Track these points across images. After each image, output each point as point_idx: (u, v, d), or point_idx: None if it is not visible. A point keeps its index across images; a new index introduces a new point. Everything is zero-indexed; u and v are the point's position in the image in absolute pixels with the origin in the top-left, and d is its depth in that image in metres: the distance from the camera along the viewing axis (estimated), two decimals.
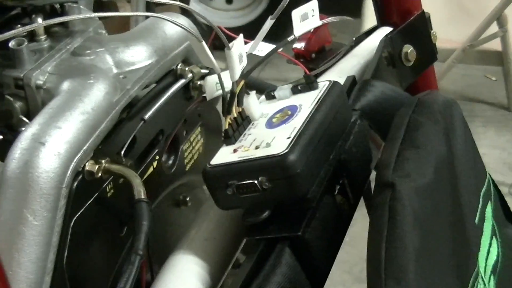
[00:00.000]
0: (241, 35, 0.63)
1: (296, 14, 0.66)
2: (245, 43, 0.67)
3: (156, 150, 0.74)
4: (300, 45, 0.91)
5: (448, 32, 2.50)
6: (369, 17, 2.41)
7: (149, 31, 0.73)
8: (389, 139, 0.66)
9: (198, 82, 0.78)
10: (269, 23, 0.64)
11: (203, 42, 0.61)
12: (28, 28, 0.57)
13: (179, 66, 0.76)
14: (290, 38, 0.67)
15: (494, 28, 2.34)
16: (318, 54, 0.93)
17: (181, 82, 0.76)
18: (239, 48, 0.62)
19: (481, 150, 2.52)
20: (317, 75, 0.87)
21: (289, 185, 0.60)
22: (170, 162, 0.79)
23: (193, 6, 3.49)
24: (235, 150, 0.63)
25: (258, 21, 3.45)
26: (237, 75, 0.63)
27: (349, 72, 0.85)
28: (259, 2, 3.53)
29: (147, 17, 0.78)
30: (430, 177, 0.62)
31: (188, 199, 0.86)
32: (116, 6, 3.15)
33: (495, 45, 2.38)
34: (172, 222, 0.86)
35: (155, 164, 0.74)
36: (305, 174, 0.60)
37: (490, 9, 2.35)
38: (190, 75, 0.77)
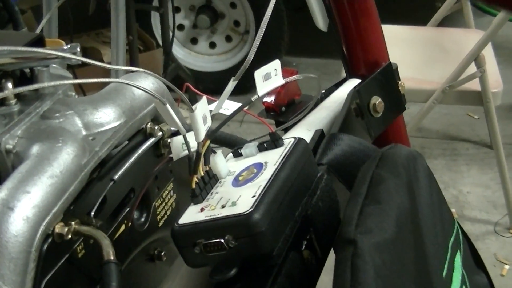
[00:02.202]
0: (205, 97, 0.64)
1: (258, 74, 0.68)
2: (210, 102, 0.69)
3: (127, 209, 0.75)
4: (270, 99, 0.93)
5: (428, 73, 2.53)
6: None
7: (118, 92, 0.75)
8: (353, 195, 0.68)
9: (168, 140, 0.79)
10: (231, 84, 0.66)
11: (167, 105, 0.62)
12: None
13: (148, 125, 0.78)
14: (254, 97, 0.68)
15: (472, 68, 2.37)
16: (288, 107, 0.95)
17: (151, 141, 0.77)
18: (203, 109, 0.64)
19: (465, 188, 2.53)
20: (287, 129, 0.88)
21: (254, 243, 0.61)
22: (143, 219, 0.80)
23: (177, 50, 3.53)
24: (202, 209, 0.64)
25: (241, 65, 3.47)
26: (202, 136, 0.64)
27: (318, 125, 0.87)
28: (241, 46, 3.57)
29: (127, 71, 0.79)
30: (392, 231, 0.63)
31: (162, 253, 0.87)
32: (99, 53, 3.18)
33: (474, 85, 2.40)
34: (147, 277, 0.87)
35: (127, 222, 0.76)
36: (269, 232, 0.61)
37: (468, 50, 2.39)
38: (159, 133, 0.79)
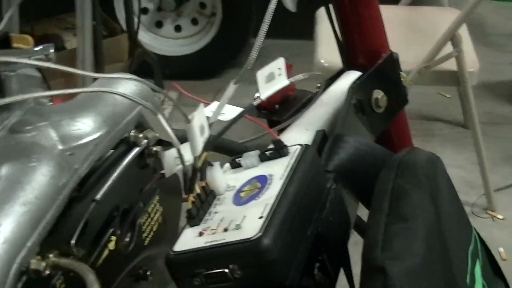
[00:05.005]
0: (202, 105, 0.55)
1: (261, 74, 0.59)
2: (205, 105, 0.60)
3: (111, 230, 0.66)
4: None
5: (403, 54, 2.45)
6: (324, 40, 2.36)
7: (97, 98, 0.65)
8: (373, 211, 0.59)
9: (154, 148, 0.70)
10: (232, 88, 0.57)
11: (159, 115, 0.53)
12: None
13: (132, 133, 0.68)
14: (256, 102, 0.60)
15: (448, 48, 2.31)
16: (281, 105, 0.86)
17: (135, 151, 0.68)
18: (200, 119, 0.55)
19: None
20: (283, 129, 0.80)
21: (264, 273, 0.53)
22: (127, 239, 0.71)
23: (142, 35, 3.41)
24: (201, 233, 0.56)
25: (208, 48, 3.39)
26: (199, 149, 0.56)
27: (317, 124, 0.79)
28: (208, 29, 3.46)
29: (95, 78, 0.70)
30: (422, 254, 0.55)
31: (148, 273, 0.78)
32: (62, 40, 3.05)
33: (451, 65, 2.34)
34: None
35: (111, 245, 0.66)
36: (282, 259, 0.53)
37: (443, 30, 2.32)
38: (144, 141, 0.69)
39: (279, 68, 0.61)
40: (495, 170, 2.72)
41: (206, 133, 0.56)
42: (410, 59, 2.41)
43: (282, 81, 0.61)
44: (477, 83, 2.79)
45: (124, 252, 0.70)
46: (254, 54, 0.57)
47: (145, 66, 2.90)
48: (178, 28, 3.53)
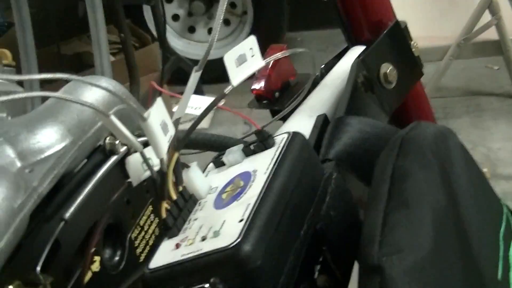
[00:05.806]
0: (159, 99, 0.48)
1: (229, 58, 0.52)
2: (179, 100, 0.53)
3: (93, 249, 0.60)
4: (259, 85, 0.77)
5: (440, 29, 2.36)
6: None
7: (59, 106, 0.59)
8: (371, 198, 0.51)
9: None
10: (194, 76, 0.50)
11: (112, 117, 0.47)
12: None
13: (107, 140, 0.62)
14: (227, 89, 0.52)
15: (487, 17, 2.20)
16: (282, 92, 0.78)
17: (112, 159, 0.61)
18: (159, 115, 0.48)
19: (495, 145, 2.35)
20: (284, 118, 0.72)
21: (249, 284, 0.46)
22: (117, 258, 0.64)
23: (175, 42, 3.37)
24: (177, 245, 0.49)
25: None
26: (164, 150, 0.49)
27: (321, 109, 0.71)
28: (241, 29, 3.40)
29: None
30: (429, 245, 0.47)
31: None
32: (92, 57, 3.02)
33: (491, 34, 2.23)
34: None
35: (95, 266, 0.60)
36: (268, 265, 0.46)
37: None
38: (123, 148, 0.62)
39: (251, 49, 0.54)
40: None
41: (171, 131, 0.49)
42: (448, 33, 2.32)
43: (256, 63, 0.54)
44: None
45: (114, 272, 0.63)
46: (215, 31, 0.49)
47: (181, 73, 2.85)
48: (211, 31, 3.47)
